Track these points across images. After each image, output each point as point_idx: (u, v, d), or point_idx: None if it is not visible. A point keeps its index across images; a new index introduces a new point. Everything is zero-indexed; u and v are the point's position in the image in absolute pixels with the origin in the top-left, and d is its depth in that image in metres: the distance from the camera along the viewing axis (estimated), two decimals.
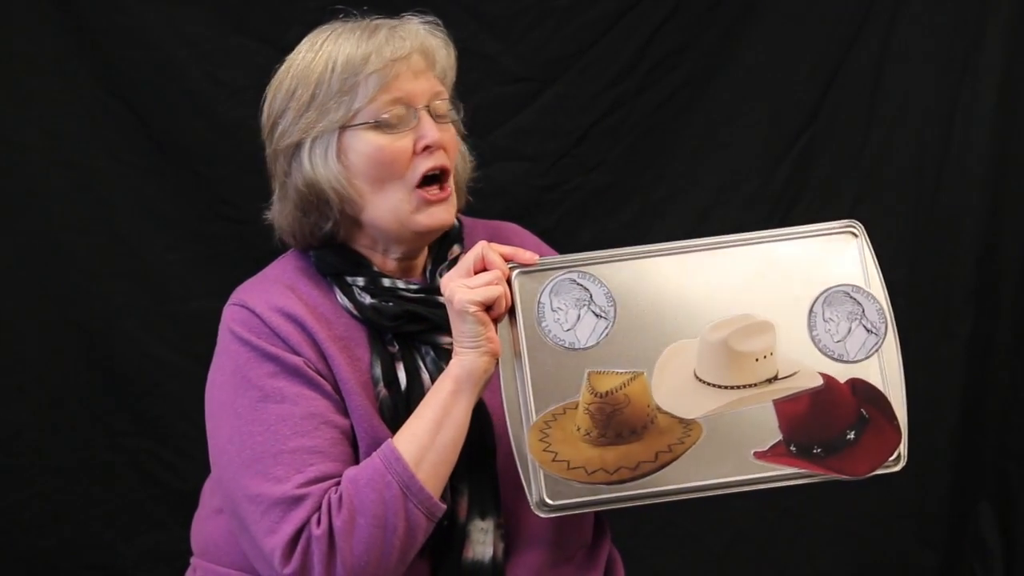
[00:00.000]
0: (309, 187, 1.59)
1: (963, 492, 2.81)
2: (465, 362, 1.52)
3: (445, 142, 1.60)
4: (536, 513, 1.51)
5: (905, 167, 2.73)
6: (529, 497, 1.51)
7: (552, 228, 2.71)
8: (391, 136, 1.57)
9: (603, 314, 1.55)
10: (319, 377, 1.56)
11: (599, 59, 2.70)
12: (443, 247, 1.69)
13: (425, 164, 1.58)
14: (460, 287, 1.52)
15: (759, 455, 1.51)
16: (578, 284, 1.56)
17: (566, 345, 1.55)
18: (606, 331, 1.55)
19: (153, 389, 2.67)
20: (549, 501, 1.50)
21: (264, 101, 1.65)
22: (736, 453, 1.51)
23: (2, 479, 2.65)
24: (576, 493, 1.50)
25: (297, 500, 1.48)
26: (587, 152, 2.73)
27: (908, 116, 2.72)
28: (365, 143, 1.57)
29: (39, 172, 2.60)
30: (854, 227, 1.61)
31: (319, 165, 1.58)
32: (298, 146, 1.60)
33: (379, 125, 1.57)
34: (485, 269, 1.54)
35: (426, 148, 1.58)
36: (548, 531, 1.62)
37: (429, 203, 1.59)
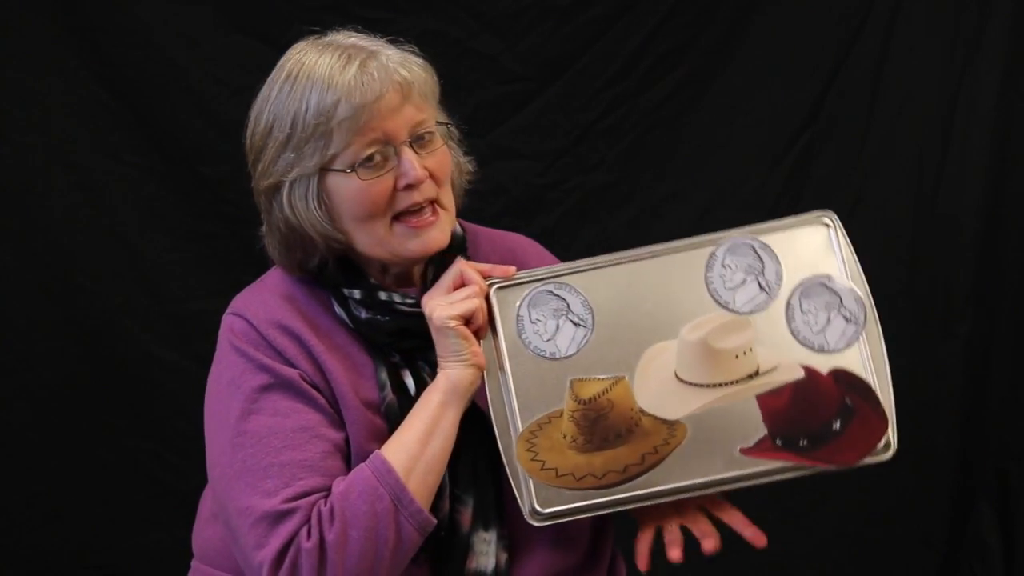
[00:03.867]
0: (291, 229, 1.57)
1: (963, 492, 2.81)
2: (452, 375, 1.53)
3: (432, 169, 1.56)
4: (529, 522, 1.52)
5: (905, 167, 2.73)
6: (522, 506, 1.52)
7: (552, 228, 2.71)
8: (372, 178, 1.53)
9: (581, 322, 1.57)
10: (313, 390, 1.55)
11: (599, 59, 2.70)
12: (444, 258, 1.65)
13: (407, 200, 1.55)
14: (439, 304, 1.54)
15: (745, 451, 1.51)
16: (555, 295, 1.58)
17: (547, 355, 1.56)
18: (585, 339, 1.56)
19: (153, 389, 2.67)
20: (540, 509, 1.51)
21: (247, 124, 1.61)
22: (722, 450, 1.51)
23: (2, 479, 2.65)
24: (567, 500, 1.51)
25: (284, 515, 1.48)
26: (587, 152, 2.73)
27: (908, 116, 2.72)
28: (346, 187, 1.54)
29: (39, 172, 2.60)
30: (827, 217, 1.61)
31: (300, 209, 1.55)
32: (277, 188, 1.56)
33: (358, 168, 1.53)
34: (464, 286, 1.56)
35: (408, 186, 1.54)
36: (551, 539, 1.61)
37: (417, 229, 1.56)
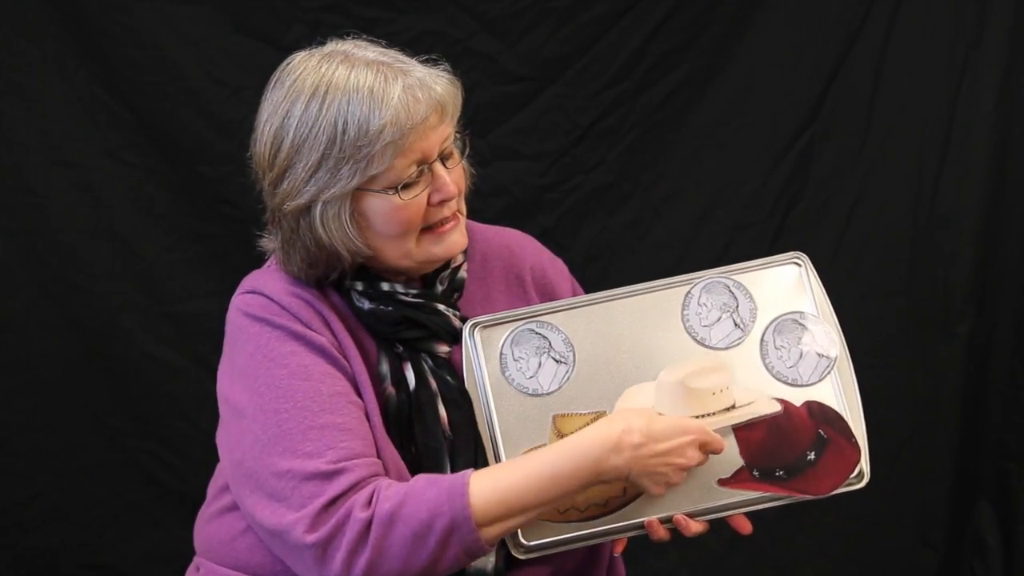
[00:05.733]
0: (320, 247, 1.56)
1: (963, 492, 2.81)
2: (632, 477, 1.50)
3: (457, 181, 1.59)
4: (514, 554, 1.55)
5: (905, 167, 2.73)
6: (507, 539, 1.54)
7: (552, 228, 2.71)
8: (408, 195, 1.54)
9: (563, 359, 1.61)
10: (343, 359, 1.56)
11: (599, 59, 2.70)
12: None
13: (440, 214, 1.58)
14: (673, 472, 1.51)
15: (723, 482, 1.56)
16: (537, 333, 1.62)
17: (530, 391, 1.60)
18: (567, 375, 1.61)
19: (153, 389, 2.67)
20: (525, 542, 1.55)
21: (258, 132, 1.57)
22: (701, 482, 1.55)
23: (2, 479, 2.65)
24: (550, 532, 1.55)
25: (332, 475, 1.45)
26: (587, 152, 2.73)
27: (908, 116, 2.72)
28: (382, 206, 1.54)
29: (39, 172, 2.60)
30: (798, 259, 1.65)
31: (332, 227, 1.54)
32: (308, 208, 1.54)
33: (400, 191, 1.53)
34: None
35: (442, 201, 1.57)
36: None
37: (441, 235, 1.59)
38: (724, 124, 2.74)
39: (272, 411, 1.50)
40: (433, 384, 1.60)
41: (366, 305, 1.60)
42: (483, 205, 2.65)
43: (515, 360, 1.61)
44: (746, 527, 1.58)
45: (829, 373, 1.60)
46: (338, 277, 1.62)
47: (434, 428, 1.58)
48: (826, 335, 1.61)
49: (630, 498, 1.55)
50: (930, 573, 2.83)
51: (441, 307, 1.62)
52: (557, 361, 1.61)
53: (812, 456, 1.56)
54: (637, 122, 2.73)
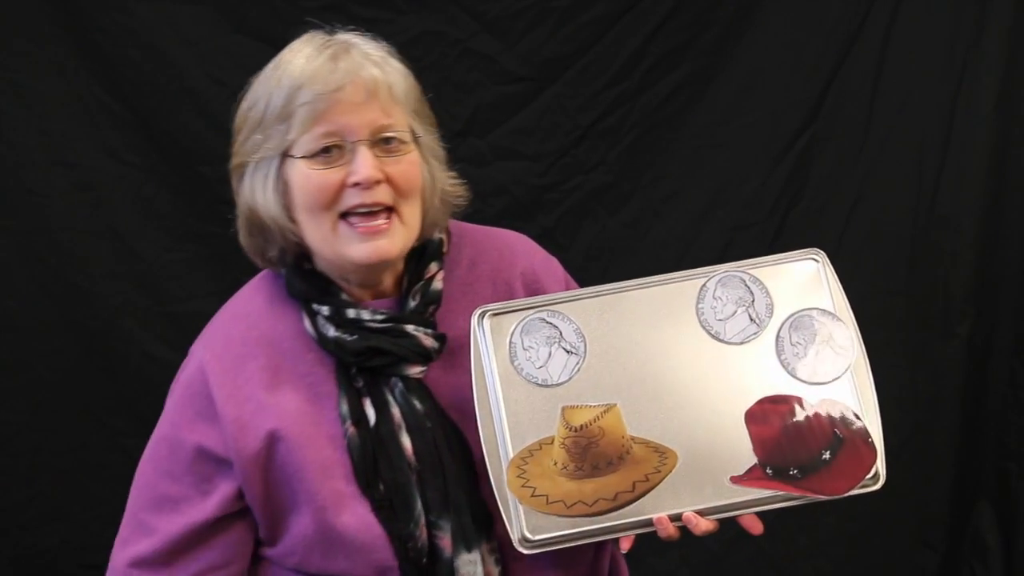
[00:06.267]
0: (251, 211, 1.58)
1: (963, 492, 2.81)
2: None
3: (393, 176, 1.52)
4: (519, 550, 1.51)
5: (905, 167, 2.73)
6: (511, 534, 1.51)
7: (552, 228, 2.71)
8: (320, 168, 1.51)
9: (573, 350, 1.57)
10: (222, 461, 1.57)
11: (599, 59, 2.70)
12: (419, 265, 1.61)
13: (354, 199, 1.51)
14: None
15: (736, 480, 1.52)
16: (548, 322, 1.58)
17: (539, 382, 1.56)
18: (577, 366, 1.57)
19: (153, 389, 2.66)
20: (530, 537, 1.51)
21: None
22: (713, 479, 1.52)
23: (2, 479, 2.65)
24: (557, 527, 1.51)
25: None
26: (587, 152, 2.73)
27: (908, 116, 2.72)
28: (299, 173, 1.52)
29: (39, 172, 2.60)
30: (816, 255, 1.63)
31: (259, 191, 1.56)
32: (243, 168, 1.58)
33: (313, 156, 1.51)
34: None
35: (356, 184, 1.51)
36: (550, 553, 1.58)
37: (362, 234, 1.52)
38: (724, 124, 2.74)
39: (137, 475, 1.66)
40: (396, 414, 1.56)
41: (331, 332, 1.56)
42: (483, 205, 2.64)
43: (525, 349, 1.57)
44: (757, 527, 1.54)
45: (846, 371, 1.57)
46: (305, 297, 1.59)
47: (399, 462, 1.54)
48: (844, 333, 1.58)
49: (640, 493, 1.52)
50: (930, 573, 2.83)
51: (410, 328, 1.56)
52: (568, 352, 1.57)
53: (827, 455, 1.54)
54: (637, 122, 2.73)
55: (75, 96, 2.60)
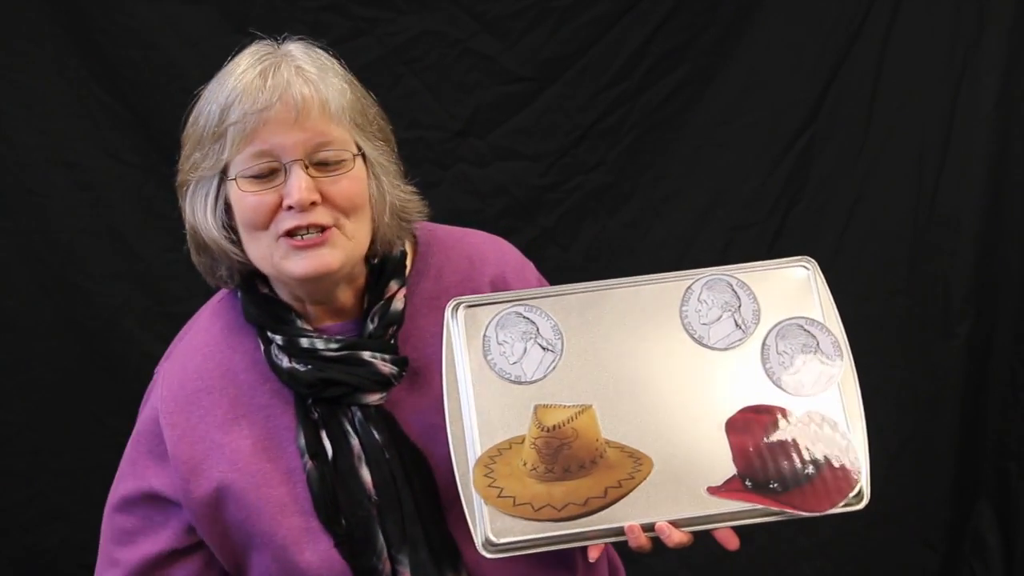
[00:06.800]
0: (193, 231, 1.55)
1: (963, 492, 2.81)
2: None
3: (331, 195, 1.46)
4: (482, 553, 1.43)
5: (905, 167, 2.73)
6: (475, 536, 1.44)
7: (552, 228, 2.71)
8: (253, 191, 1.46)
9: (550, 347, 1.51)
10: (173, 504, 1.57)
11: (599, 59, 2.70)
12: (379, 284, 1.56)
13: (289, 222, 1.46)
14: None
15: (713, 490, 1.47)
16: (524, 317, 1.52)
17: (512, 378, 1.49)
18: (553, 364, 1.50)
19: None
20: (494, 539, 1.44)
21: None
22: (689, 488, 1.46)
23: (2, 479, 2.65)
24: (523, 531, 1.44)
25: None
26: (587, 152, 2.73)
27: (908, 116, 2.72)
28: (235, 193, 1.48)
29: (39, 172, 2.60)
30: (807, 263, 1.57)
31: (199, 211, 1.52)
32: (184, 186, 1.54)
33: (248, 178, 1.47)
34: None
35: (290, 207, 1.46)
36: (528, 567, 1.54)
37: (297, 249, 1.47)
38: (724, 124, 2.74)
39: (106, 506, 1.65)
40: (356, 445, 1.52)
41: (284, 362, 1.52)
42: (483, 205, 2.65)
43: (499, 344, 1.50)
44: (733, 542, 1.48)
45: (833, 384, 1.51)
46: (260, 324, 1.55)
47: (359, 496, 1.51)
48: (832, 343, 1.52)
49: (612, 500, 1.45)
50: (930, 573, 2.83)
51: (367, 355, 1.51)
52: (544, 348, 1.51)
53: (811, 471, 1.47)
54: (637, 122, 2.73)
55: (75, 96, 2.60)
